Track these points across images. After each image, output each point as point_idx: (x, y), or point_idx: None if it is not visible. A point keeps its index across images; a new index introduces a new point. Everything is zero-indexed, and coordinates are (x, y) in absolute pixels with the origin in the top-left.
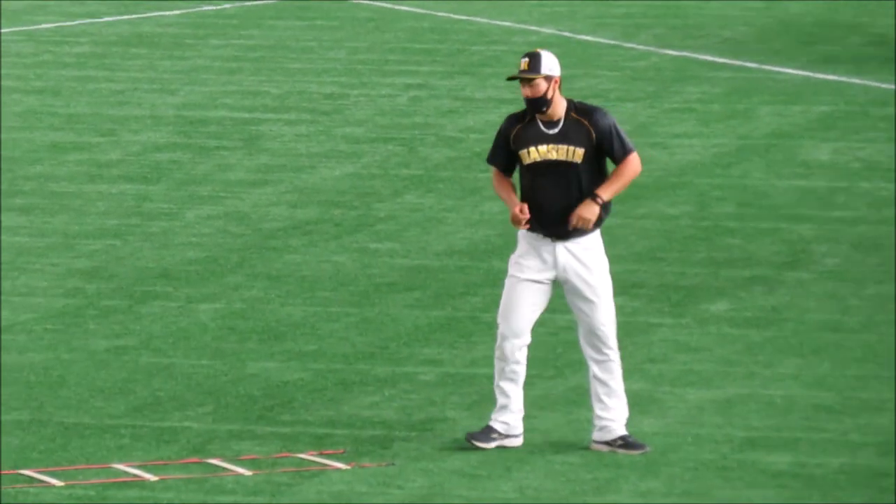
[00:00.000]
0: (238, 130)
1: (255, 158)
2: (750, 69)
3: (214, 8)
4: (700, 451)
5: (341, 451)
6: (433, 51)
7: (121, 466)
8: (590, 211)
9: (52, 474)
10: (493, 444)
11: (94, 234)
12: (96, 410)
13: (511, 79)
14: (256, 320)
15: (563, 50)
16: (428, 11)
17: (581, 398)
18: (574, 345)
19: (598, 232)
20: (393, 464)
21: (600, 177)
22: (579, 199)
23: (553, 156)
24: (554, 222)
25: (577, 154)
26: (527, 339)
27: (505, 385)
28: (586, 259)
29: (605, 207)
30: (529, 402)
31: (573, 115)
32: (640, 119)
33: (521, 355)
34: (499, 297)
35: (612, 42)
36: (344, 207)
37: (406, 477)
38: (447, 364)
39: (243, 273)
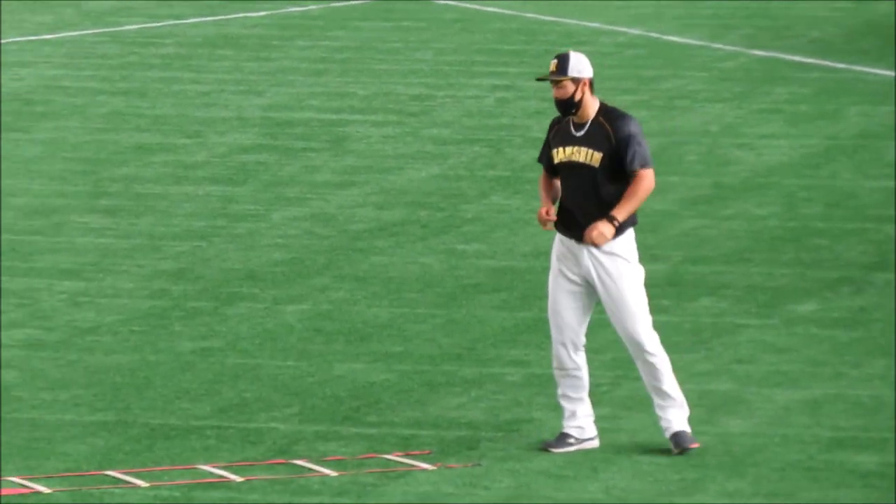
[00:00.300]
0: (324, 132)
1: (341, 160)
2: (838, 70)
3: (300, 9)
4: (787, 451)
5: (427, 451)
6: (520, 52)
7: (206, 467)
8: (605, 228)
9: (138, 475)
10: (570, 450)
11: (180, 235)
12: (182, 412)
13: (539, 79)
14: (343, 322)
15: (651, 51)
16: (516, 13)
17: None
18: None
19: (626, 237)
20: (479, 464)
21: (622, 184)
22: (597, 205)
23: (576, 157)
24: (577, 224)
25: (594, 158)
26: (578, 342)
27: (568, 392)
28: (609, 265)
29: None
30: (616, 403)
31: (600, 118)
32: (728, 120)
33: (578, 360)
34: None
35: (700, 43)
36: (430, 209)
37: (492, 478)
38: (533, 365)
39: (330, 274)
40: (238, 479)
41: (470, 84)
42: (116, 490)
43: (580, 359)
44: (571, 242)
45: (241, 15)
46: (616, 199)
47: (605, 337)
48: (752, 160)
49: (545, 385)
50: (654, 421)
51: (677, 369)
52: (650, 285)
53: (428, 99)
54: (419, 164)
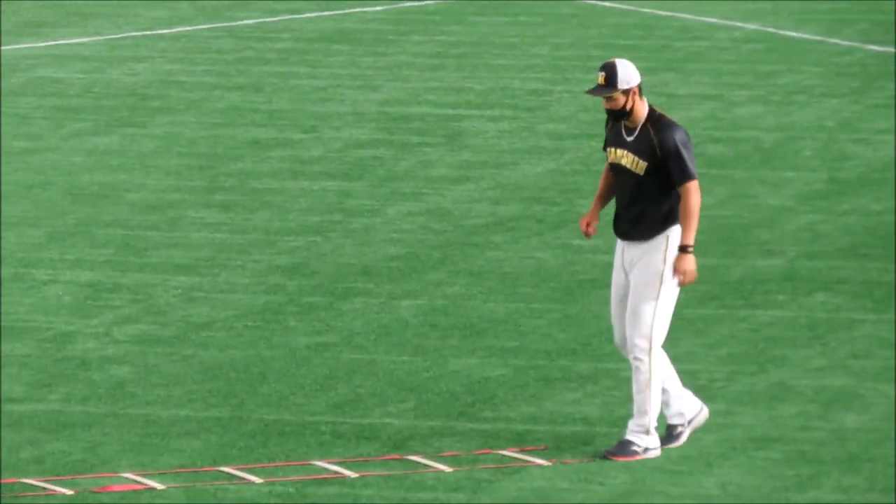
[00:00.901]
0: (440, 127)
1: (457, 155)
2: None
3: (417, 4)
4: None
5: (542, 447)
6: (637, 47)
7: (321, 463)
8: (685, 262)
9: (252, 471)
10: (680, 442)
11: (295, 230)
12: (297, 407)
13: (589, 93)
14: (458, 317)
15: (767, 46)
16: (632, 7)
17: (784, 394)
18: (776, 340)
19: (663, 237)
20: (594, 460)
21: (666, 192)
22: (640, 209)
23: (624, 162)
24: (623, 222)
25: (639, 166)
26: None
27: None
28: (641, 261)
29: (671, 214)
30: (731, 398)
31: (648, 126)
32: (844, 115)
33: (633, 361)
34: (702, 293)
35: (817, 38)
36: (546, 203)
37: (607, 473)
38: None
39: (445, 270)
40: (353, 474)
41: (586, 79)
42: (230, 486)
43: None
44: (618, 239)
45: (357, 10)
46: (659, 205)
47: (719, 332)
48: (869, 155)
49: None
50: (770, 416)
51: (793, 365)
52: (766, 280)
53: (544, 94)
54: (535, 158)
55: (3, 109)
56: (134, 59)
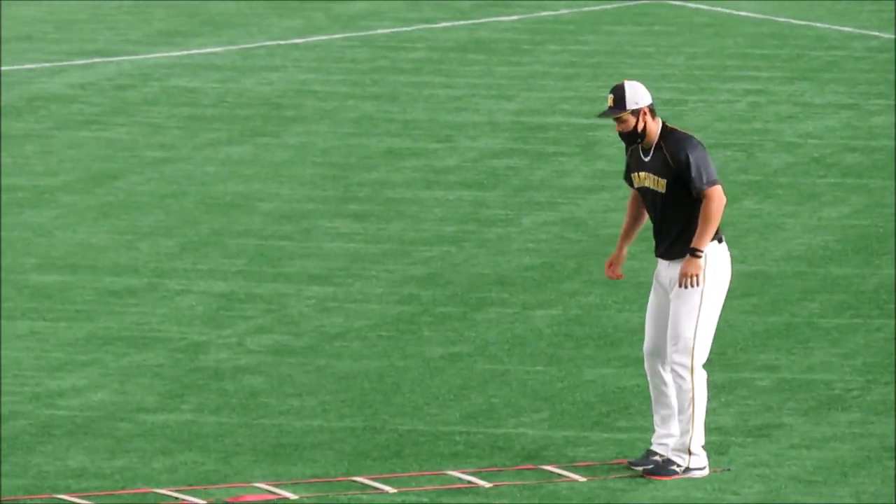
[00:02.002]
0: (575, 136)
1: (592, 164)
2: None
3: (552, 13)
4: None
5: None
6: (772, 56)
7: (455, 473)
8: (693, 266)
9: (385, 481)
10: (673, 477)
11: (430, 240)
12: (430, 417)
13: (600, 116)
14: (593, 326)
15: None
16: (767, 16)
17: None
18: None
19: (709, 250)
20: (729, 469)
21: (695, 207)
22: (671, 227)
23: (647, 183)
24: (658, 243)
25: (660, 184)
26: (659, 358)
27: (657, 406)
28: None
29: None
30: (866, 408)
31: (661, 143)
32: None
33: (657, 378)
34: (838, 303)
35: None
36: None
37: (742, 483)
38: (784, 370)
39: (580, 279)
40: (486, 484)
41: (722, 88)
42: (364, 496)
43: (663, 375)
44: (659, 259)
45: (492, 19)
46: (692, 221)
47: (854, 341)
48: None
49: (796, 390)
50: None
51: None
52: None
53: (679, 103)
54: None
55: (136, 119)
56: (268, 69)
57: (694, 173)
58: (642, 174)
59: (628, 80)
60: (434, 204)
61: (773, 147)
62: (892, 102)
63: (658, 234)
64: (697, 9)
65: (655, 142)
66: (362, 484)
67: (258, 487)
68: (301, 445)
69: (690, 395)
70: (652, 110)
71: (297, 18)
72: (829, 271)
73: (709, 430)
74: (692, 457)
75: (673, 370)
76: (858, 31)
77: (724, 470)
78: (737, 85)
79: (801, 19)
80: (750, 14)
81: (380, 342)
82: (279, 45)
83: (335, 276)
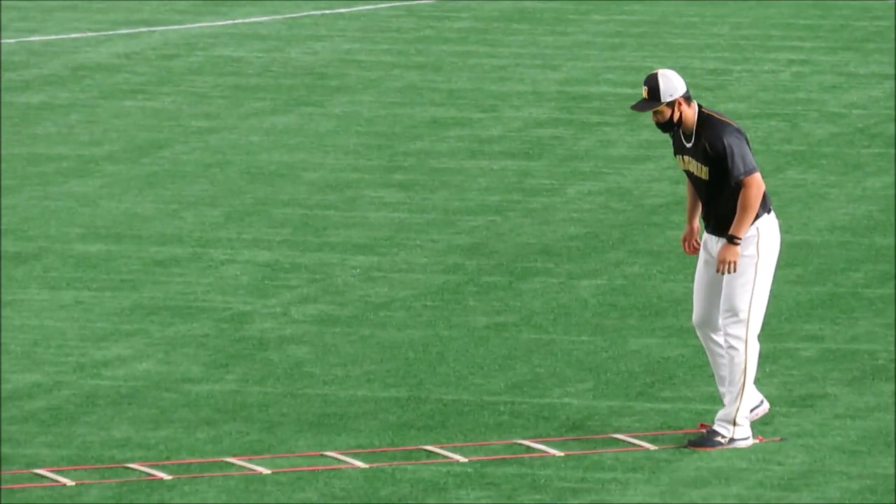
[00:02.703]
0: (620, 106)
1: (637, 134)
2: None
3: None
4: None
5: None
6: (816, 26)
7: (525, 442)
8: (730, 253)
9: (455, 450)
10: (717, 447)
11: (474, 210)
12: (475, 387)
13: (634, 108)
14: (637, 296)
15: None
16: None
17: None
18: None
19: (753, 228)
20: (784, 439)
21: (735, 189)
22: (722, 210)
23: (691, 168)
24: (709, 220)
25: (703, 171)
26: (714, 324)
27: (717, 371)
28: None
29: (764, 205)
30: None
31: (699, 130)
32: None
33: (714, 340)
34: (882, 273)
35: None
36: None
37: (786, 453)
38: (828, 340)
39: (625, 249)
40: (559, 453)
41: (766, 58)
42: (408, 466)
43: (713, 344)
44: (706, 233)
45: None
46: (735, 200)
47: None
48: None
49: (840, 360)
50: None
51: None
52: None
53: (724, 73)
54: None
55: (181, 88)
56: (313, 38)
57: (731, 163)
58: (686, 158)
59: (660, 69)
60: (479, 174)
61: (817, 117)
62: None
63: (706, 213)
64: None
65: (694, 129)
66: (431, 452)
67: (328, 456)
68: (345, 416)
69: (743, 366)
70: (687, 98)
71: None
72: (873, 241)
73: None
74: (737, 427)
75: (727, 342)
76: None
77: (780, 439)
78: (781, 55)
79: None
80: None
81: (424, 312)
82: (324, 15)
83: (380, 246)
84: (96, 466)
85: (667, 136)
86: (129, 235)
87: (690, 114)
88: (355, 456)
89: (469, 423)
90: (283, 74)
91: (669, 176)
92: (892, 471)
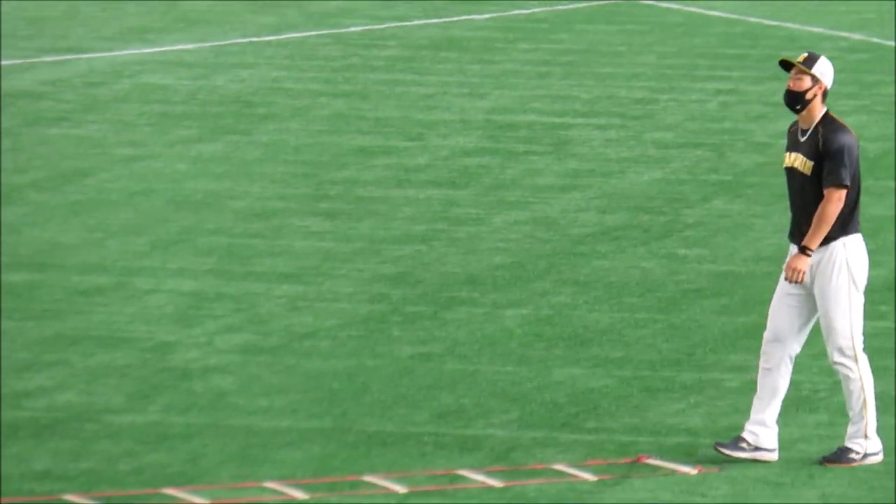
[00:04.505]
0: (547, 135)
1: (564, 163)
2: None
3: (525, 12)
4: None
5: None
6: (743, 56)
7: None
8: (800, 262)
9: (396, 480)
10: (741, 454)
11: (400, 239)
12: (399, 418)
13: (783, 62)
14: (563, 326)
15: (873, 55)
16: (739, 16)
17: (887, 405)
18: (880, 351)
19: (839, 243)
20: (723, 469)
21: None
22: (807, 213)
23: (796, 164)
24: (795, 228)
25: (807, 166)
26: (785, 345)
27: (760, 392)
28: (822, 267)
29: (847, 221)
30: (833, 410)
31: (819, 127)
32: None
33: (776, 361)
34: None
35: None
36: (652, 213)
37: (710, 484)
38: (754, 370)
39: (551, 279)
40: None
41: (693, 88)
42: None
43: (778, 361)
44: (792, 246)
45: (465, 17)
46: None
47: (822, 342)
48: None
49: None
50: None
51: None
52: (869, 291)
53: (651, 102)
54: (641, 167)
55: (106, 116)
56: (240, 66)
57: (831, 165)
58: (794, 155)
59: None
60: (405, 202)
61: (744, 147)
62: (862, 103)
63: (794, 218)
64: (669, 8)
65: (814, 125)
66: (371, 483)
67: (266, 488)
68: (269, 446)
69: (859, 383)
70: (825, 94)
71: (270, 15)
72: None
73: (677, 431)
74: (868, 441)
75: (837, 366)
76: (829, 31)
77: (718, 470)
78: (708, 84)
79: (772, 19)
80: (722, 14)
81: (349, 341)
82: (252, 42)
83: (305, 275)
84: (18, 500)
85: (594, 166)
86: (52, 264)
87: (818, 109)
88: (295, 487)
89: (393, 454)
90: (209, 102)
91: (596, 206)
92: (814, 502)
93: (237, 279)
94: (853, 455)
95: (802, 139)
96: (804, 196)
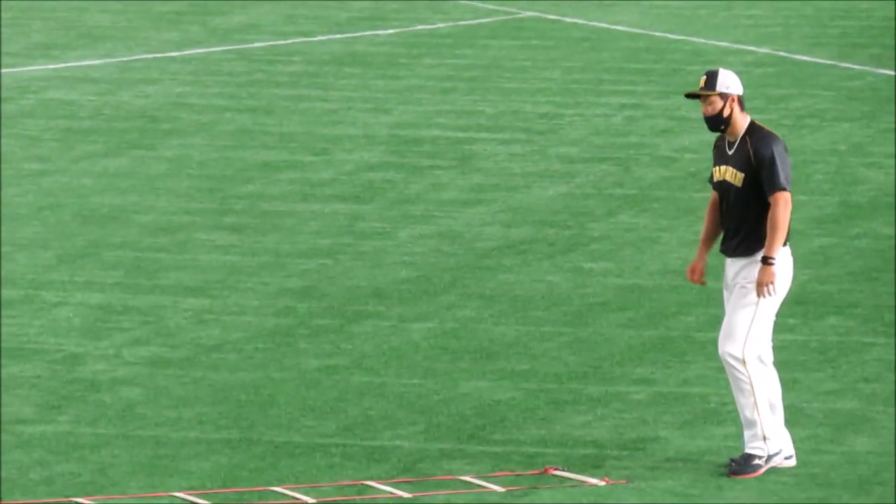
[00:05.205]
0: (452, 150)
1: (468, 178)
2: None
3: (428, 27)
4: None
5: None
6: (648, 70)
7: (373, 483)
8: (765, 274)
9: (304, 491)
10: (761, 471)
11: (306, 253)
12: (307, 430)
13: (688, 96)
14: (469, 339)
15: (779, 69)
16: (644, 31)
17: (795, 417)
18: (787, 364)
19: (763, 252)
20: (631, 481)
21: (762, 205)
22: (738, 224)
23: (727, 177)
24: (726, 239)
25: (738, 178)
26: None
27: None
28: (741, 276)
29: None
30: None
31: (746, 137)
32: (856, 139)
33: (730, 369)
34: (713, 316)
35: (828, 62)
36: (558, 227)
37: (618, 496)
38: (660, 383)
39: (456, 292)
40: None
41: (598, 102)
42: None
43: (731, 369)
44: (725, 258)
45: (369, 33)
46: (760, 220)
47: None
48: (881, 179)
49: (671, 403)
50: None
51: (804, 388)
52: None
53: (556, 117)
54: (546, 182)
55: (13, 131)
56: (145, 82)
57: (768, 174)
58: (723, 168)
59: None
60: (310, 217)
61: (649, 161)
62: (768, 117)
63: (726, 231)
64: (574, 23)
65: (741, 136)
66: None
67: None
68: (177, 457)
69: (749, 385)
70: (741, 102)
71: (174, 31)
72: (705, 285)
73: (584, 443)
74: (769, 442)
75: (726, 363)
76: (734, 45)
77: (627, 481)
78: (613, 99)
79: (677, 34)
80: (626, 28)
81: (256, 354)
82: (156, 58)
83: (211, 289)
84: None
85: (498, 181)
86: None
87: (741, 120)
88: (205, 496)
89: (301, 465)
90: (115, 118)
91: (501, 220)
92: None
93: (144, 292)
94: (757, 462)
95: (731, 152)
96: (736, 208)
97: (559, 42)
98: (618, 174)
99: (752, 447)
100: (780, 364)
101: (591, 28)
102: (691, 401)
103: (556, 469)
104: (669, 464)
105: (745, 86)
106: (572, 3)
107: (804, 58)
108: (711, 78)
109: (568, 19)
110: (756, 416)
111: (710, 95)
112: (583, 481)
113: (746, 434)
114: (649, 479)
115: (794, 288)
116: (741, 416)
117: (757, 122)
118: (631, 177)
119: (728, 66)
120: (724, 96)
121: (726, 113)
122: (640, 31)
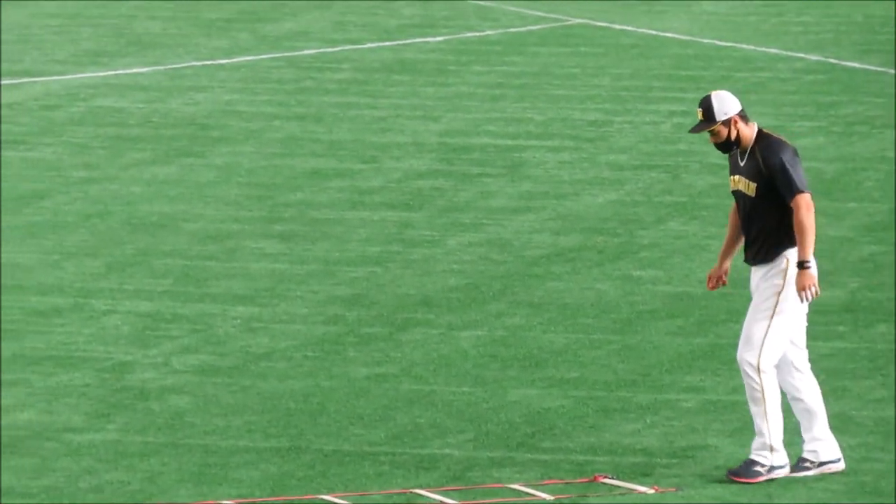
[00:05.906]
0: (501, 157)
1: (517, 185)
2: None
3: (477, 34)
4: None
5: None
6: (697, 77)
7: (421, 492)
8: (803, 278)
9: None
10: (809, 473)
11: (355, 261)
12: (356, 438)
13: (693, 132)
14: (518, 347)
15: (829, 76)
16: (693, 38)
17: (844, 425)
18: (837, 372)
19: (783, 258)
20: (680, 489)
21: (782, 213)
22: (759, 233)
23: (740, 186)
24: (747, 248)
25: (751, 188)
26: (783, 365)
27: (798, 417)
28: (762, 283)
29: (791, 235)
30: (792, 429)
31: (755, 147)
32: None
33: (788, 385)
34: None
35: (878, 69)
36: (607, 234)
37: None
38: (709, 391)
39: (505, 300)
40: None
41: (647, 110)
42: None
43: (796, 382)
44: (751, 268)
45: (418, 40)
46: (777, 227)
47: None
48: None
49: (720, 411)
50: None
51: (853, 396)
52: (827, 312)
53: (605, 125)
54: (596, 189)
55: (61, 139)
56: (194, 89)
57: (784, 180)
58: (737, 178)
59: (714, 91)
60: (359, 224)
61: (698, 168)
62: (818, 124)
63: (747, 239)
64: (623, 30)
65: (751, 146)
66: (328, 502)
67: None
68: (226, 465)
69: (760, 394)
70: (743, 116)
71: (223, 39)
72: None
73: (633, 451)
74: (775, 454)
75: (742, 370)
76: (784, 52)
77: (676, 490)
78: (662, 106)
79: (726, 41)
80: (675, 35)
81: (305, 362)
82: (205, 66)
83: (260, 297)
84: None
85: (547, 188)
86: (10, 286)
87: (748, 132)
88: None
89: (349, 474)
90: (163, 125)
91: (550, 227)
92: None
93: (193, 300)
94: (758, 468)
95: (742, 162)
96: (753, 216)
97: (608, 49)
98: (667, 181)
99: (758, 454)
100: (829, 371)
101: (640, 35)
102: (741, 409)
103: (605, 477)
104: (719, 472)
105: (793, 93)
106: (621, 10)
107: (854, 64)
108: (708, 111)
109: (617, 26)
110: (765, 425)
111: (711, 128)
112: (632, 489)
113: (755, 441)
114: (698, 487)
115: (845, 295)
116: (753, 422)
117: (764, 129)
118: (680, 184)
119: (778, 72)
120: (726, 122)
121: (733, 136)
122: (689, 37)
